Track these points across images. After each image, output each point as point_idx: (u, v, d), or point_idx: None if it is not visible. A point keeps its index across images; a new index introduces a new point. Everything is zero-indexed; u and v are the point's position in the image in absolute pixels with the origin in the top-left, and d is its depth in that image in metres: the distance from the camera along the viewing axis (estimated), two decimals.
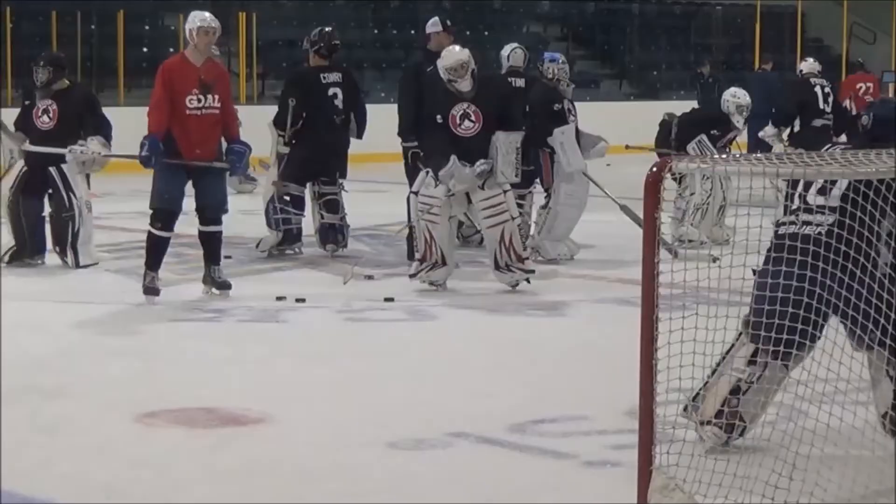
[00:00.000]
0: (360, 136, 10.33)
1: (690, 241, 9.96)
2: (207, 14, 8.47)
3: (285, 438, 5.47)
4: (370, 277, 9.16)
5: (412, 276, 8.82)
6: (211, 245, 8.47)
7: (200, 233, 8.48)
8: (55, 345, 7.36)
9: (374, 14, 22.46)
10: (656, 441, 4.33)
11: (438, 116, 8.65)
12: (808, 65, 13.48)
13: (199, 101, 8.27)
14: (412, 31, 21.68)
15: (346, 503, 4.75)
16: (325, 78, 10.13)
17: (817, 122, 12.75)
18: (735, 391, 5.03)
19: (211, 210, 8.40)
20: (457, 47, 8.85)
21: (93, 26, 19.68)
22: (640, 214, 4.39)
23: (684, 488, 4.30)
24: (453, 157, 8.52)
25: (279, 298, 8.41)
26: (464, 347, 7.37)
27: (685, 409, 5.10)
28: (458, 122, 8.62)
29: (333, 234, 10.19)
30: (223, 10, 20.30)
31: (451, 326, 7.95)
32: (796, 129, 12.85)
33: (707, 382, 5.06)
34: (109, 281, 9.22)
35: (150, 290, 8.32)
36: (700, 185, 10.55)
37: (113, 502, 4.71)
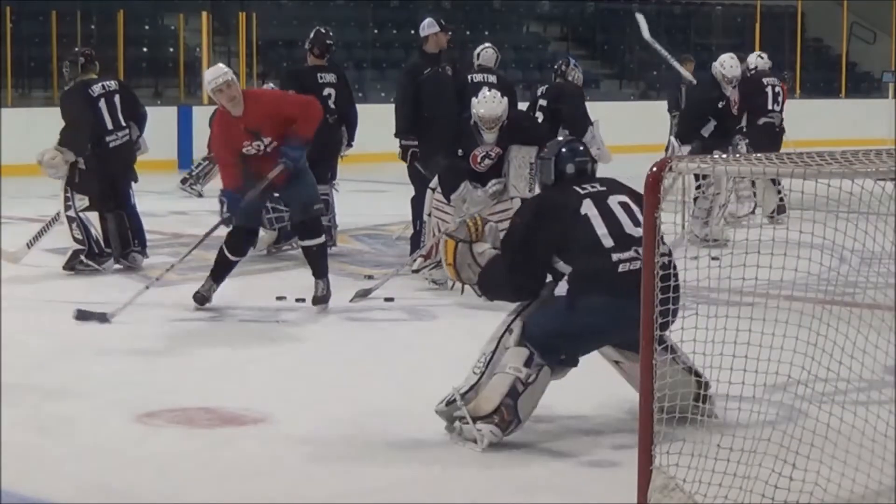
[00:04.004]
0: (350, 142, 10.39)
1: (716, 240, 9.98)
2: (217, 70, 7.93)
3: (285, 438, 5.47)
4: (370, 277, 9.16)
5: (415, 271, 8.85)
6: (315, 258, 8.25)
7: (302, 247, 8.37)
8: (55, 345, 7.36)
9: (374, 14, 22.47)
10: (656, 441, 4.33)
11: (460, 151, 8.61)
12: (763, 62, 13.05)
13: (256, 148, 7.87)
14: (412, 31, 21.64)
15: (346, 503, 4.75)
16: (321, 77, 10.21)
17: (761, 121, 12.48)
18: (513, 391, 5.28)
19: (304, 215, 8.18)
20: (496, 97, 8.65)
21: (93, 26, 19.70)
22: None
23: (684, 488, 4.30)
24: (465, 182, 8.54)
25: (279, 298, 8.41)
26: (464, 347, 7.35)
27: (447, 403, 5.39)
28: (478, 161, 8.61)
29: None
30: (223, 9, 20.41)
31: (451, 326, 7.95)
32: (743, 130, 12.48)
33: (479, 380, 5.37)
34: (109, 281, 9.22)
35: (199, 296, 8.16)
36: (725, 185, 10.53)
37: (113, 502, 4.72)
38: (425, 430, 5.48)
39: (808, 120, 18.66)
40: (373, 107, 16.73)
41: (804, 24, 24.88)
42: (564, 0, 24.82)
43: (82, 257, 9.36)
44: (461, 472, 5.04)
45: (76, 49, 10.31)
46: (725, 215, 11.44)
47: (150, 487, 4.86)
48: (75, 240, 9.37)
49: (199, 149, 17.53)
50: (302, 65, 10.68)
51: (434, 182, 8.86)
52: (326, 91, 10.19)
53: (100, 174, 9.41)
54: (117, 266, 9.54)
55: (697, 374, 5.31)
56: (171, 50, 20.08)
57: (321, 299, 8.20)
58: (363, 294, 8.46)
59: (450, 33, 10.20)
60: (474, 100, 8.69)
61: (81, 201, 9.39)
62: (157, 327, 7.79)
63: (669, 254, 5.10)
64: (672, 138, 11.11)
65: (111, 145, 9.47)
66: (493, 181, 8.57)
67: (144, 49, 20.30)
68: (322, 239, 8.28)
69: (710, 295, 4.73)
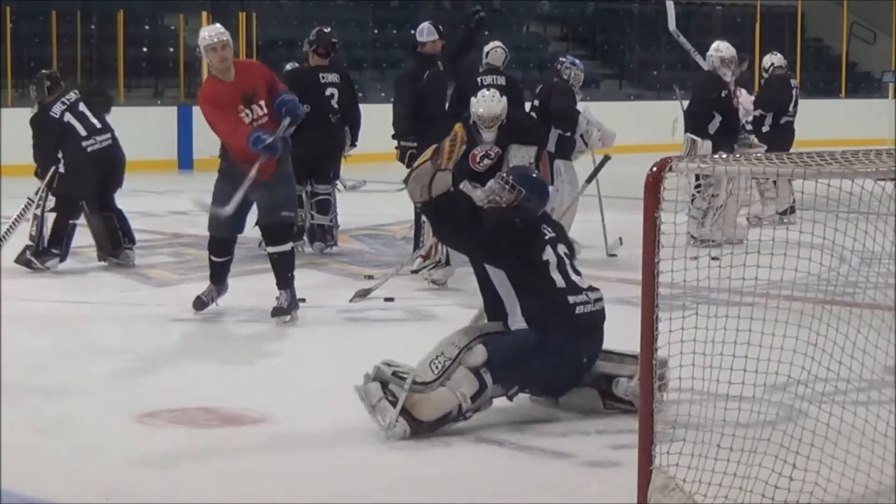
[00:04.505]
0: (354, 142, 10.42)
1: (712, 241, 9.98)
2: (215, 29, 7.77)
3: (285, 438, 5.46)
4: (370, 277, 9.16)
5: (414, 271, 8.86)
6: (277, 266, 7.88)
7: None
8: (55, 345, 7.36)
9: (374, 14, 22.47)
10: (656, 441, 4.33)
11: None
12: (778, 59, 13.02)
13: (247, 115, 7.66)
14: (412, 32, 21.66)
15: (346, 503, 4.75)
16: (323, 77, 10.23)
17: (782, 121, 12.54)
18: (449, 415, 5.41)
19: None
20: (495, 96, 8.66)
21: (93, 26, 19.72)
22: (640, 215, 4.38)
23: (684, 488, 4.30)
24: (465, 181, 8.53)
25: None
26: None
27: (396, 374, 5.46)
28: (478, 160, 8.61)
29: (322, 234, 10.28)
30: (223, 9, 20.40)
31: (450, 326, 7.92)
32: (765, 128, 12.37)
33: (434, 381, 5.44)
34: (109, 281, 9.22)
35: (198, 301, 7.95)
36: (725, 186, 10.51)
37: (113, 502, 4.71)
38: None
39: (808, 120, 18.64)
40: (373, 107, 16.76)
41: (804, 24, 24.88)
42: (564, 0, 24.82)
43: (28, 253, 9.46)
44: (461, 472, 5.04)
45: (42, 71, 10.33)
46: (750, 216, 11.45)
47: (150, 487, 4.86)
48: (30, 236, 9.52)
49: (199, 149, 17.53)
50: (303, 65, 10.68)
51: None
52: (329, 91, 10.21)
53: (85, 177, 9.50)
54: (62, 265, 9.53)
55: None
56: (171, 50, 20.07)
57: (279, 311, 7.78)
58: (363, 294, 8.46)
59: (445, 40, 10.20)
60: (473, 99, 8.70)
61: (49, 202, 9.54)
62: (157, 327, 7.79)
63: (601, 298, 5.87)
64: (689, 135, 11.08)
65: (90, 150, 9.53)
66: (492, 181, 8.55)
67: (144, 49, 20.30)
68: (288, 247, 7.91)
69: (710, 295, 4.72)
